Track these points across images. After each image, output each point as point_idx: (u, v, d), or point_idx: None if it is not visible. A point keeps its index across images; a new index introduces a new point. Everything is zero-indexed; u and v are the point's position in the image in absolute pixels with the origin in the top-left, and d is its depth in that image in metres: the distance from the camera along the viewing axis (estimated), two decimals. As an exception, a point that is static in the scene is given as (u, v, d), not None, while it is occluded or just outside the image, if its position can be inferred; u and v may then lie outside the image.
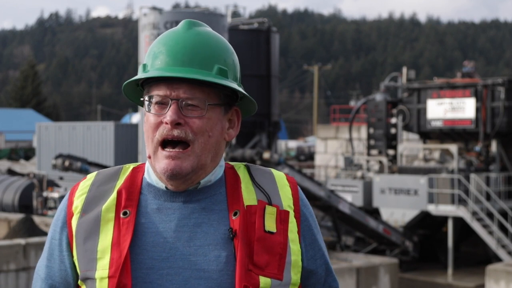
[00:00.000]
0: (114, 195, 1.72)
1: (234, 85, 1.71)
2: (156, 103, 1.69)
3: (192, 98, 1.67)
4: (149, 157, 1.71)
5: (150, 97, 1.70)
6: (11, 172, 24.54)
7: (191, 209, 1.70)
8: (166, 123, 1.66)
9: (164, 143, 1.69)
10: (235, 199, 1.72)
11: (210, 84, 1.69)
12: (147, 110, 1.71)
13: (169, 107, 1.67)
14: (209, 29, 1.76)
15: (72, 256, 1.73)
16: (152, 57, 1.72)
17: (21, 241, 12.06)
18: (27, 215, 15.67)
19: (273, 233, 1.69)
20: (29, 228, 14.12)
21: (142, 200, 1.72)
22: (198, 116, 1.67)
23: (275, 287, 1.66)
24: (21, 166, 36.46)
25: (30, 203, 19.32)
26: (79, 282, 1.72)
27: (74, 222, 1.73)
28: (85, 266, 1.68)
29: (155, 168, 1.70)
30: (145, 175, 1.76)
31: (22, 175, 23.16)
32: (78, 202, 1.74)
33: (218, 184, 1.75)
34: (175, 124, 1.66)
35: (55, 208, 18.43)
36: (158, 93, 1.68)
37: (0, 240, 13.45)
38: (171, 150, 1.67)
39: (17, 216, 16.25)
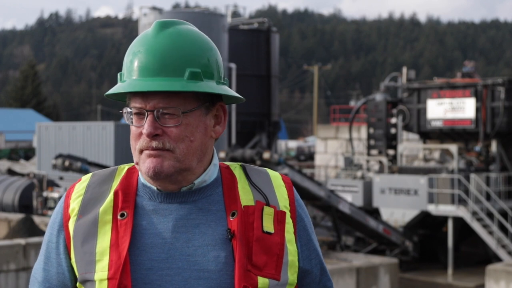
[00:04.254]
0: (111, 196, 1.71)
1: (207, 87, 1.67)
2: (135, 114, 1.68)
3: (168, 107, 1.65)
4: (137, 164, 1.71)
5: (130, 109, 1.70)
6: (11, 172, 24.54)
7: (188, 209, 1.70)
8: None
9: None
10: (232, 200, 1.71)
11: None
12: (128, 121, 1.70)
13: (146, 118, 1.66)
14: (183, 27, 1.71)
15: (70, 259, 1.73)
16: (127, 66, 1.70)
17: (21, 241, 12.05)
18: (27, 215, 15.67)
19: (271, 233, 1.69)
20: (29, 228, 14.12)
21: (138, 201, 1.72)
22: (175, 124, 1.66)
23: (273, 287, 1.67)
24: (21, 166, 36.42)
25: (30, 203, 19.30)
26: (77, 284, 1.72)
27: (71, 224, 1.72)
28: (83, 269, 1.68)
29: (142, 172, 1.70)
30: (140, 176, 1.75)
31: (22, 175, 23.16)
32: (74, 205, 1.73)
33: (214, 184, 1.74)
34: (153, 136, 1.65)
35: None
36: (135, 104, 1.68)
37: (0, 240, 13.45)
38: (152, 149, 1.66)
39: (17, 216, 16.24)
